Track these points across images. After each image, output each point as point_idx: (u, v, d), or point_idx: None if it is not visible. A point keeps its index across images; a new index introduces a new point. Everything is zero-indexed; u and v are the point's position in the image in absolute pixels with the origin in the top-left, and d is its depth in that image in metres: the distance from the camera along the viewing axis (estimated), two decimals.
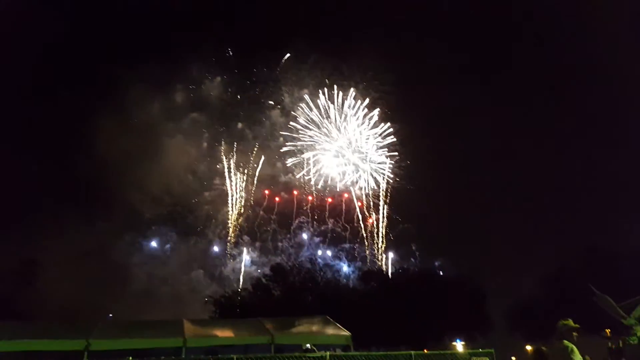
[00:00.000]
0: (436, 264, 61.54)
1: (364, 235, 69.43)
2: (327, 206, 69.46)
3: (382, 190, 69.24)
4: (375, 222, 69.45)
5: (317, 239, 69.26)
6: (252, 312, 36.83)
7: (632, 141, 59.62)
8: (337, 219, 69.93)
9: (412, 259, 67.15)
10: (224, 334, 21.24)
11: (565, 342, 9.81)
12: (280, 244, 67.77)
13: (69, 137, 60.25)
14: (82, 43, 63.09)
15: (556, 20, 66.83)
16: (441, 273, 57.74)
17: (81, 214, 57.28)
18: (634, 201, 54.43)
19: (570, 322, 10.21)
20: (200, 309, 52.25)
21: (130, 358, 14.78)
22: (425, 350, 22.87)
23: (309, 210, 69.31)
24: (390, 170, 69.29)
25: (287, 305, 40.63)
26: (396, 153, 69.50)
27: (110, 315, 49.42)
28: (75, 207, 57.50)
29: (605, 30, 55.77)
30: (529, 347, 55.95)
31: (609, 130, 63.98)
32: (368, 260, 67.46)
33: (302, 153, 69.52)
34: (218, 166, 68.68)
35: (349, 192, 69.85)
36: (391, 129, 69.27)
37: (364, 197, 69.68)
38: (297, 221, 69.06)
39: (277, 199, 69.77)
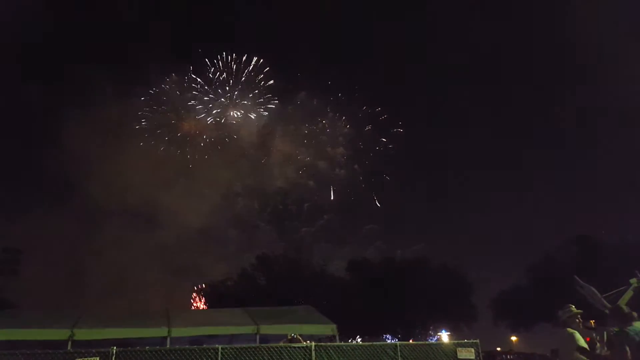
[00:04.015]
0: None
1: None
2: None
3: None
4: None
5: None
6: (237, 301, 36.75)
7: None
8: None
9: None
10: (209, 323, 21.06)
11: (569, 329, 9.79)
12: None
13: (38, 131, 60.85)
14: (56, 43, 63.27)
15: None
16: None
17: (44, 204, 57.47)
18: (622, 194, 54.95)
19: (573, 307, 10.20)
20: (165, 298, 52.49)
21: (115, 347, 14.61)
22: (411, 341, 22.97)
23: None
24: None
25: (272, 295, 40.58)
26: None
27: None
28: (40, 198, 57.79)
29: None
30: (514, 338, 56.65)
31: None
32: None
33: None
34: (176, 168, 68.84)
35: None
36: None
37: None
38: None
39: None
